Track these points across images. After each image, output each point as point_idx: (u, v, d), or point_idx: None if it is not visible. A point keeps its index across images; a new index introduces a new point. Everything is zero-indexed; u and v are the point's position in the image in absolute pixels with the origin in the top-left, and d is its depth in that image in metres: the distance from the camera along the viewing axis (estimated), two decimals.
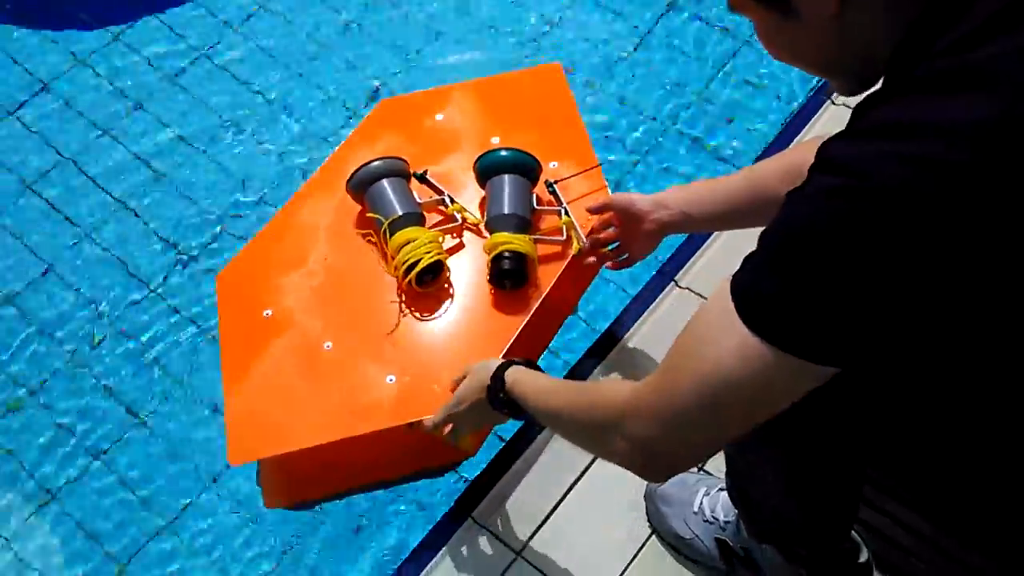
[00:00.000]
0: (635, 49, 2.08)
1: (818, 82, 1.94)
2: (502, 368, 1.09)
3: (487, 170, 1.42)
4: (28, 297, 1.80)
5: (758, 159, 1.84)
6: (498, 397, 1.08)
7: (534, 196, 1.42)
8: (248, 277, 1.45)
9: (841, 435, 0.88)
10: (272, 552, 1.46)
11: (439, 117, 1.59)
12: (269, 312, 1.39)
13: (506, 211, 1.37)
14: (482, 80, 1.66)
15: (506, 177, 1.40)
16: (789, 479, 0.98)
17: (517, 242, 1.33)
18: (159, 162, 1.98)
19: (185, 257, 1.85)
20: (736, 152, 1.91)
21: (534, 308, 1.35)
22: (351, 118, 2.01)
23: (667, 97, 2.00)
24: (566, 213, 1.40)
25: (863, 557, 1.14)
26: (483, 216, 1.42)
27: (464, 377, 1.18)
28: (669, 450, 0.81)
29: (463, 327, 1.36)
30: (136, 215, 1.91)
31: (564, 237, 1.39)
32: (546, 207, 1.43)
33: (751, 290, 0.69)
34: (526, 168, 1.41)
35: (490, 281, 1.35)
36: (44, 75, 2.11)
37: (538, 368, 1.11)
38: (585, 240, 1.38)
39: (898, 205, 0.60)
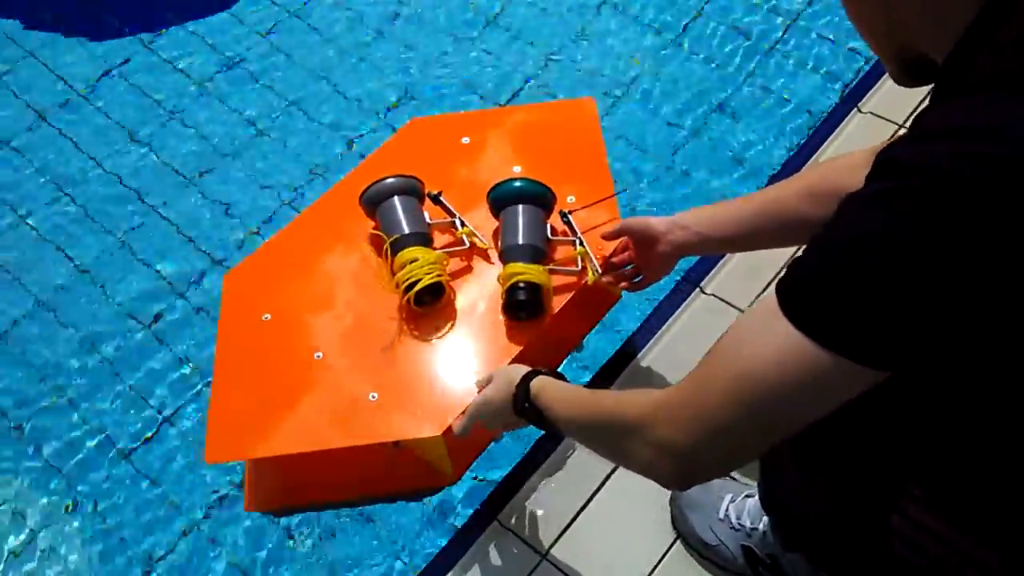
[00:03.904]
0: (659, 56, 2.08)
1: (844, 89, 1.94)
2: (528, 377, 1.08)
3: (500, 200, 1.40)
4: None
5: (783, 168, 1.82)
6: (523, 407, 1.07)
7: (548, 226, 1.40)
8: (254, 279, 1.45)
9: (883, 444, 0.84)
10: (294, 556, 1.43)
11: (465, 140, 1.59)
12: (268, 316, 1.39)
13: (520, 241, 1.35)
14: (514, 108, 1.65)
15: (520, 207, 1.38)
16: (825, 486, 0.94)
17: (532, 272, 1.31)
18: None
19: (215, 264, 1.85)
20: (760, 162, 1.87)
21: (530, 340, 1.33)
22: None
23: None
24: (580, 243, 1.38)
25: (889, 564, 1.09)
26: (497, 246, 1.40)
27: (489, 379, 1.19)
28: (696, 455, 0.77)
29: (458, 352, 1.33)
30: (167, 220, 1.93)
31: (579, 268, 1.37)
32: (560, 237, 1.41)
33: (800, 289, 0.67)
34: (540, 198, 1.39)
35: (505, 311, 1.33)
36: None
37: (563, 378, 1.10)
38: (600, 270, 1.35)
39: (963, 202, 0.58)
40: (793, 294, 0.67)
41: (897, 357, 0.64)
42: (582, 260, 1.37)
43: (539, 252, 1.36)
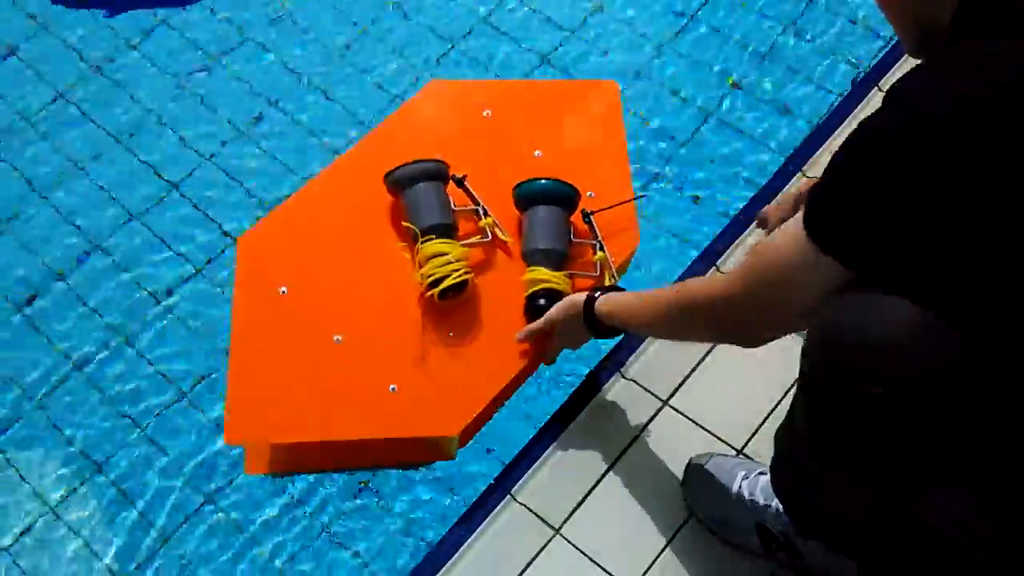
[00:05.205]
0: (676, 35, 2.06)
1: (862, 71, 1.96)
2: (593, 291, 1.26)
3: (527, 198, 1.41)
4: None
5: (800, 149, 1.81)
6: (591, 315, 1.24)
7: (571, 227, 1.43)
8: (270, 246, 1.43)
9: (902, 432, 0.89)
10: (308, 532, 1.47)
11: (486, 113, 1.56)
12: (285, 290, 1.39)
13: (544, 246, 1.38)
14: (537, 83, 1.62)
15: (546, 209, 1.40)
16: (843, 479, 0.99)
17: (555, 281, 1.35)
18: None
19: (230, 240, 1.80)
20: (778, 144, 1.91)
21: (547, 341, 1.37)
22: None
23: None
24: (601, 248, 1.41)
25: (904, 547, 1.11)
26: (519, 237, 1.42)
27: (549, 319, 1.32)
28: (740, 321, 0.98)
29: (476, 350, 1.37)
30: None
31: (598, 272, 1.41)
32: (581, 239, 1.43)
33: (809, 203, 0.84)
34: (566, 199, 1.41)
35: (526, 314, 1.38)
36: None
37: (620, 290, 1.27)
38: (617, 276, 1.40)
39: (934, 134, 0.71)
40: (807, 207, 0.84)
41: (863, 260, 0.81)
42: (600, 266, 1.40)
43: (561, 256, 1.39)
